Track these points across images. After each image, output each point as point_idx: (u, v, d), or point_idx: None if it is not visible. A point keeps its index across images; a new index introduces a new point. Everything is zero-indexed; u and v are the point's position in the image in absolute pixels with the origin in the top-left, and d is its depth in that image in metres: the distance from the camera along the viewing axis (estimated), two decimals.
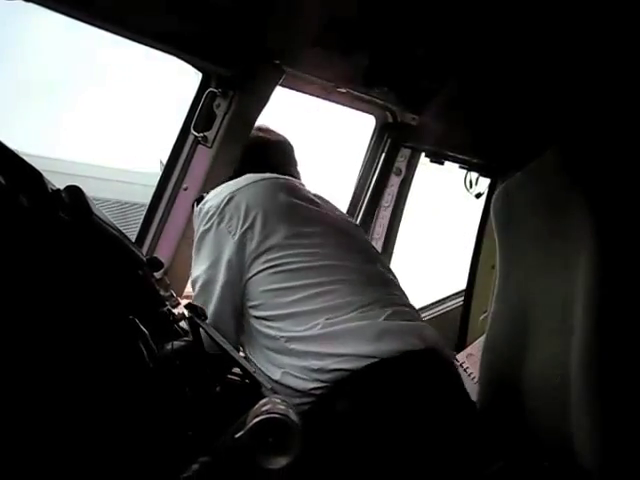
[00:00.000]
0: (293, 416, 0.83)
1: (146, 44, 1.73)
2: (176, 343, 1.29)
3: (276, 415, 0.82)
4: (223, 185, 1.60)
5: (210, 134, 1.91)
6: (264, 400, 0.86)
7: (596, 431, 1.54)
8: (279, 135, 1.88)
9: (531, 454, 1.74)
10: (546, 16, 1.84)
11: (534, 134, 2.38)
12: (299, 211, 1.58)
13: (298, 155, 2.06)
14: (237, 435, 0.83)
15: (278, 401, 0.85)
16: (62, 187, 1.14)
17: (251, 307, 1.46)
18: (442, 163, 2.58)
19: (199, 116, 1.92)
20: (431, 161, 2.57)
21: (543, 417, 1.69)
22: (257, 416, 0.83)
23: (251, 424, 0.83)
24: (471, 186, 2.78)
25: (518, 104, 2.28)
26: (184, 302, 1.63)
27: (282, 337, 1.40)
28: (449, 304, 3.02)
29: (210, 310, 1.46)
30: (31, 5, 1.44)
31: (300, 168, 1.92)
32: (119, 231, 1.27)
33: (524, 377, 1.76)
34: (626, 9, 1.80)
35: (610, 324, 1.56)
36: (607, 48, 1.94)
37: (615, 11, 1.84)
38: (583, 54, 1.97)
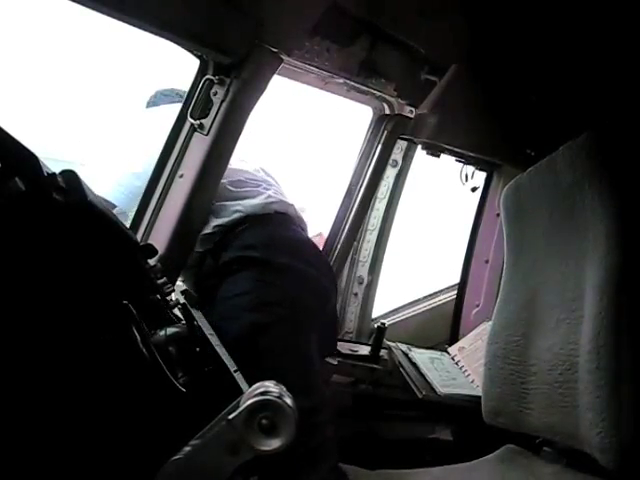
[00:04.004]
0: (287, 399, 0.83)
1: (144, 29, 1.72)
2: (169, 329, 1.29)
3: (270, 397, 0.83)
4: None
5: (207, 122, 1.91)
6: (258, 384, 0.87)
7: (604, 413, 1.57)
8: None
9: (535, 438, 1.78)
10: (552, 9, 1.84)
11: (532, 129, 2.38)
12: None
13: (295, 145, 2.09)
14: (230, 417, 0.84)
15: (272, 384, 0.86)
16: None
17: None
18: (438, 156, 2.57)
19: (196, 103, 1.92)
20: (427, 154, 2.56)
21: (550, 402, 1.73)
22: (251, 398, 0.83)
23: (244, 406, 0.83)
24: (467, 180, 2.77)
25: (517, 98, 2.28)
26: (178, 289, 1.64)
27: None
28: (442, 297, 3.02)
29: None
30: None
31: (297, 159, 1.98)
32: (114, 216, 1.27)
33: (531, 365, 1.80)
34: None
35: (620, 313, 1.60)
36: (616, 45, 1.95)
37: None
38: (592, 51, 1.97)
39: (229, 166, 2.08)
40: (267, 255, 1.96)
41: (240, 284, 1.92)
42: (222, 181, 2.06)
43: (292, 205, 2.21)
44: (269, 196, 2.13)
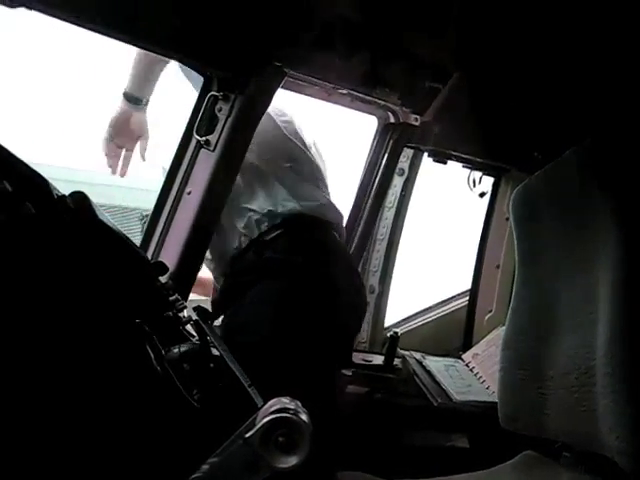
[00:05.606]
0: (303, 415, 0.83)
1: (146, 48, 1.73)
2: (183, 346, 1.29)
3: (286, 414, 0.83)
4: None
5: (212, 138, 1.91)
6: (273, 400, 0.87)
7: (622, 416, 1.56)
8: None
9: (554, 444, 1.77)
10: (556, 11, 1.83)
11: (539, 133, 2.38)
12: None
13: None
14: (247, 435, 0.83)
15: (287, 401, 0.85)
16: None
17: None
18: (445, 163, 2.57)
19: (201, 120, 1.92)
20: (434, 161, 2.56)
21: (567, 406, 1.72)
22: (267, 416, 0.83)
23: (261, 424, 0.83)
24: (474, 185, 2.77)
25: (524, 102, 2.27)
26: (190, 306, 1.64)
27: None
28: (454, 304, 3.01)
29: None
30: None
31: None
32: (124, 236, 1.28)
33: (547, 369, 1.79)
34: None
35: (634, 315, 1.59)
36: (625, 47, 1.94)
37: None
38: (601, 53, 1.96)
39: (297, 146, 2.10)
40: (309, 266, 1.93)
41: (273, 291, 1.90)
42: (286, 164, 2.06)
43: (342, 215, 2.21)
44: (326, 199, 2.13)
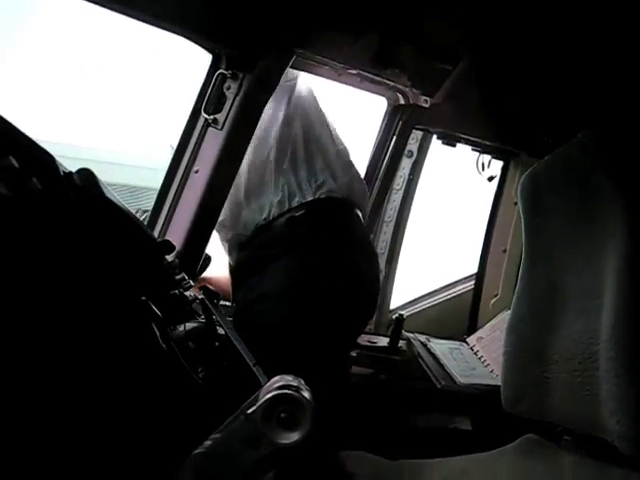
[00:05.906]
0: (305, 393, 0.84)
1: (154, 24, 1.72)
2: (189, 325, 1.30)
3: (288, 391, 0.83)
4: None
5: (220, 116, 1.91)
6: (276, 377, 0.87)
7: (624, 401, 1.57)
8: None
9: (555, 428, 1.78)
10: None
11: (549, 117, 2.36)
12: None
13: None
14: (249, 411, 0.84)
15: (290, 378, 0.86)
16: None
17: None
18: (454, 145, 2.56)
19: (209, 98, 1.92)
20: (443, 143, 2.55)
21: (570, 390, 1.73)
22: (269, 392, 0.84)
23: (263, 400, 0.83)
24: (483, 169, 2.76)
25: (534, 86, 2.25)
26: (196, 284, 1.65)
27: None
28: (460, 288, 3.01)
29: None
30: None
31: None
32: (132, 213, 1.28)
33: (550, 353, 1.80)
34: None
35: (639, 301, 1.59)
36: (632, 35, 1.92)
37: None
38: (611, 38, 1.94)
39: (333, 129, 2.13)
40: (335, 247, 1.95)
41: (299, 267, 1.91)
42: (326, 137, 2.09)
43: (367, 191, 2.24)
44: (356, 171, 2.15)
